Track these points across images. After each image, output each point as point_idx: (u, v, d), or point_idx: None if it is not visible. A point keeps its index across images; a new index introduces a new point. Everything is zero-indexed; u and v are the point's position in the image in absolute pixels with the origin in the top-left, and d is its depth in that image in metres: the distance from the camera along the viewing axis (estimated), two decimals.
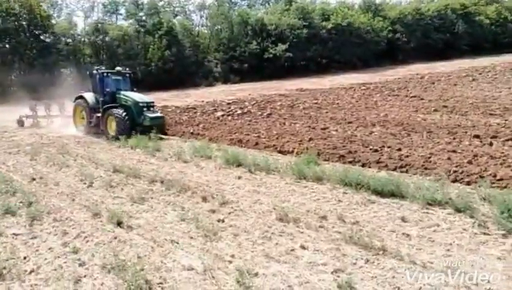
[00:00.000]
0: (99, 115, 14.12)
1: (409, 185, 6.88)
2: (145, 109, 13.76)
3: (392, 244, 5.01)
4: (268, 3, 54.71)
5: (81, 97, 14.95)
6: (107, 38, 37.58)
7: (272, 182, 7.93)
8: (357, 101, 19.72)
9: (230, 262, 4.77)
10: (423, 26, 47.72)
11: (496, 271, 4.29)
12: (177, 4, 45.73)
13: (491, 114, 13.71)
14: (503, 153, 8.85)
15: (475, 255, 4.68)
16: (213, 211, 6.42)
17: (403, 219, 5.79)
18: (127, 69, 15.87)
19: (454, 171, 7.76)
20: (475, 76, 26.36)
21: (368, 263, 4.60)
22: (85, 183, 8.36)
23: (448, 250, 4.84)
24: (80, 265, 4.87)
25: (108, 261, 4.79)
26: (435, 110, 15.25)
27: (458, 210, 5.91)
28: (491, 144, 9.76)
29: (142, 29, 38.67)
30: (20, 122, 17.53)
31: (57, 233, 5.85)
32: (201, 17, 46.63)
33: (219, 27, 42.06)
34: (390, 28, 46.33)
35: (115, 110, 13.45)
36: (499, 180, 7.17)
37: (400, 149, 9.78)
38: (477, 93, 19.20)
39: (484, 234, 5.22)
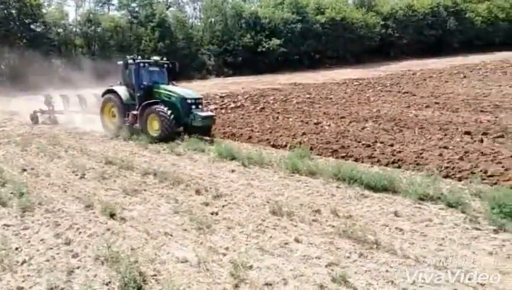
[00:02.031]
0: (135, 112, 12.01)
1: (401, 180, 6.95)
2: (193, 107, 11.63)
3: (385, 238, 5.06)
4: None
5: (112, 91, 12.77)
6: (99, 29, 37.10)
7: (266, 176, 7.94)
8: (349, 96, 19.77)
9: (225, 255, 4.77)
10: (415, 23, 47.91)
11: (488, 266, 4.36)
12: None
13: (481, 111, 13.86)
14: (493, 149, 8.96)
15: (467, 249, 4.75)
16: (207, 204, 6.41)
17: (396, 214, 5.84)
18: (165, 58, 13.47)
19: (446, 167, 7.85)
20: (466, 73, 26.60)
21: (362, 257, 4.64)
22: (77, 175, 8.28)
23: (440, 245, 4.89)
24: (73, 256, 4.83)
25: (102, 253, 4.75)
26: (427, 106, 15.37)
27: (450, 205, 5.98)
28: (481, 141, 9.88)
29: (135, 21, 38.25)
30: (34, 119, 15.43)
31: (49, 224, 5.79)
32: (194, 9, 46.44)
33: (213, 20, 41.73)
34: (382, 23, 46.39)
35: (158, 107, 11.37)
36: (489, 176, 7.27)
37: (392, 145, 9.84)
38: (468, 90, 19.39)
39: (476, 229, 5.29)
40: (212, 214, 6.03)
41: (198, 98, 12.12)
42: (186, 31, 39.63)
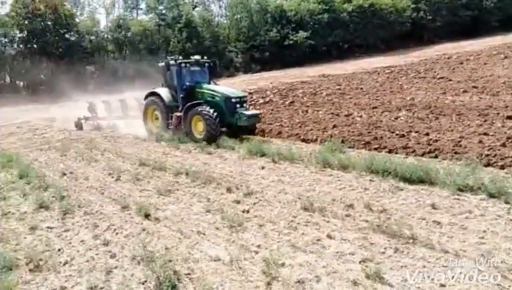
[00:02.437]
0: (179, 114, 11.75)
1: (438, 171, 6.67)
2: (238, 106, 11.28)
3: (422, 232, 4.88)
4: None
5: (154, 94, 12.58)
6: (129, 34, 38.15)
7: (296, 172, 7.87)
8: (381, 85, 19.21)
9: (257, 253, 4.78)
10: (449, 3, 45.66)
11: None
12: None
13: None
14: None
15: (510, 242, 4.49)
16: (238, 202, 6.44)
17: (433, 206, 5.62)
18: (205, 57, 13.13)
19: (487, 155, 7.47)
20: (507, 53, 25.06)
21: (397, 252, 4.50)
22: (113, 177, 8.56)
23: (481, 238, 4.66)
24: (111, 257, 5.00)
25: (138, 253, 4.89)
26: (464, 92, 14.66)
27: (492, 196, 5.69)
28: None
29: (163, 23, 39.00)
30: (79, 126, 15.61)
31: (88, 226, 6.03)
32: (220, 7, 46.58)
33: (238, 16, 41.77)
34: (413, 7, 44.62)
35: (202, 108, 11.01)
36: None
37: (427, 134, 9.48)
38: (510, 71, 18.30)
39: None
40: (243, 211, 6.05)
41: (243, 97, 11.87)
42: (212, 30, 39.96)
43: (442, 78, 18.87)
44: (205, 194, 6.94)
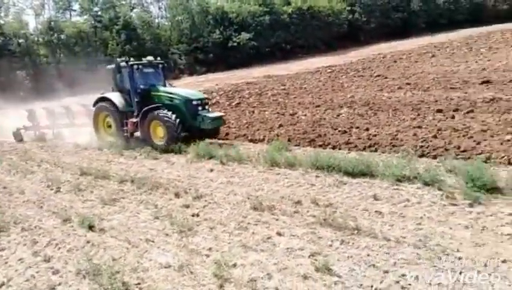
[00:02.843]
0: (135, 120, 11.00)
1: (378, 164, 7.04)
2: (200, 108, 10.80)
3: (366, 223, 5.13)
4: None
5: (105, 99, 11.63)
6: (62, 36, 36.03)
7: (245, 172, 7.91)
8: (323, 84, 19.91)
9: (208, 256, 4.74)
10: (381, 6, 48.61)
11: (464, 240, 4.48)
12: None
13: (451, 88, 14.18)
14: (465, 125, 9.20)
15: (444, 226, 4.87)
16: (187, 206, 6.34)
17: (375, 197, 5.93)
18: (159, 58, 12.32)
19: (421, 146, 8.02)
20: (434, 52, 27.16)
21: (344, 244, 4.69)
22: (52, 189, 8.04)
23: (419, 224, 5.00)
24: (54, 273, 4.71)
25: (83, 267, 4.64)
26: (399, 88, 15.62)
27: (426, 184, 6.11)
28: (453, 117, 10.13)
29: (99, 25, 37.32)
30: (18, 137, 14.10)
31: (26, 243, 5.62)
32: (159, 8, 45.61)
33: (179, 18, 41.16)
34: (349, 9, 46.88)
35: (161, 112, 10.42)
36: (462, 151, 7.46)
37: (367, 129, 9.98)
38: (437, 68, 19.82)
39: (452, 205, 5.43)
40: (193, 215, 5.97)
41: (204, 99, 11.29)
42: (153, 32, 39.03)
43: (378, 76, 19.96)
44: (152, 201, 6.75)
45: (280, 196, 6.41)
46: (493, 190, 5.57)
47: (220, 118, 11.21)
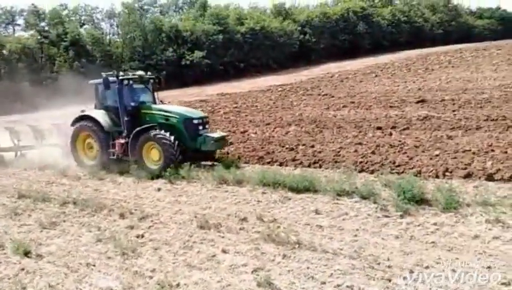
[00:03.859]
0: (123, 141, 9.80)
1: (321, 179, 7.37)
2: (200, 128, 9.79)
3: (307, 236, 5.35)
4: (182, 10, 54.25)
5: (86, 118, 10.31)
6: (4, 52, 34.17)
7: (193, 191, 7.93)
8: (274, 103, 20.43)
9: (151, 277, 4.69)
10: (330, 28, 51.09)
11: (394, 249, 4.82)
12: (83, 13, 43.21)
13: (390, 106, 15.18)
14: (400, 141, 9.88)
15: (378, 237, 5.20)
16: (132, 227, 6.23)
17: (317, 212, 6.20)
18: (149, 73, 11.19)
19: (360, 162, 8.50)
20: (377, 72, 28.92)
21: (285, 258, 4.86)
22: None
23: (355, 235, 5.30)
24: None
25: None
26: (344, 106, 16.44)
27: (364, 197, 6.49)
28: (390, 134, 10.85)
29: (46, 41, 35.86)
30: None
31: None
32: (111, 25, 44.73)
33: (132, 35, 40.59)
34: (300, 30, 48.77)
35: (157, 133, 9.29)
36: (397, 166, 8.02)
37: (313, 146, 10.39)
38: (379, 88, 21.11)
39: (385, 216, 5.82)
40: (137, 237, 5.88)
41: (205, 117, 10.26)
42: (103, 49, 38.08)
43: (326, 94, 20.87)
44: (96, 223, 6.56)
45: (227, 213, 6.50)
46: (421, 201, 6.04)
47: (223, 138, 10.16)
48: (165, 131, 9.32)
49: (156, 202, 7.43)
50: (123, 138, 9.89)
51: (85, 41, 36.82)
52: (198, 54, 38.67)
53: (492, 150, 8.36)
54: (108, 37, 43.24)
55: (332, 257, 4.76)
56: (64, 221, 6.80)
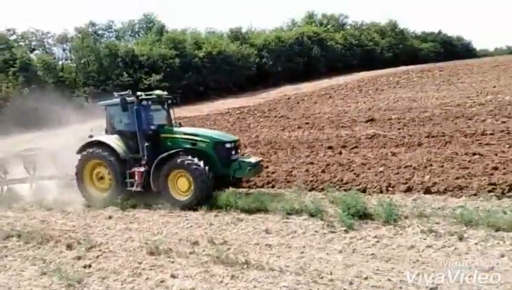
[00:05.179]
0: (142, 169, 8.71)
1: (272, 199, 7.57)
2: (233, 152, 8.81)
3: (255, 256, 5.47)
4: (138, 34, 54.02)
5: (96, 144, 9.16)
6: None
7: (145, 217, 7.85)
8: (232, 125, 20.68)
9: None
10: (285, 52, 52.80)
11: (337, 263, 5.04)
12: (33, 38, 41.92)
13: (342, 126, 15.86)
14: (349, 159, 10.35)
15: (323, 252, 5.42)
16: (79, 258, 6.06)
17: (267, 231, 6.36)
18: (165, 92, 10.00)
19: (311, 181, 8.82)
20: (331, 94, 30.09)
21: (233, 279, 4.94)
22: None
23: (302, 252, 5.49)
24: None
25: None
26: (299, 127, 16.94)
27: (312, 215, 6.75)
28: (340, 153, 11.33)
29: None
30: None
31: None
32: (64, 50, 43.57)
33: (86, 60, 39.78)
34: (257, 53, 50.00)
35: (186, 159, 8.18)
36: (344, 183, 8.40)
37: (267, 167, 10.62)
38: (333, 109, 21.98)
39: (331, 232, 6.08)
40: (84, 267, 5.72)
41: (237, 141, 9.26)
42: (56, 74, 36.96)
43: (282, 116, 21.40)
44: (41, 256, 6.30)
45: (178, 238, 6.50)
46: (365, 216, 6.37)
47: (258, 163, 9.18)
48: (192, 157, 8.32)
49: (105, 230, 7.28)
50: (142, 165, 8.76)
51: (36, 67, 35.59)
52: (155, 77, 38.45)
53: (431, 165, 8.98)
54: (60, 62, 42.02)
55: (278, 275, 4.90)
56: (6, 256, 6.50)
